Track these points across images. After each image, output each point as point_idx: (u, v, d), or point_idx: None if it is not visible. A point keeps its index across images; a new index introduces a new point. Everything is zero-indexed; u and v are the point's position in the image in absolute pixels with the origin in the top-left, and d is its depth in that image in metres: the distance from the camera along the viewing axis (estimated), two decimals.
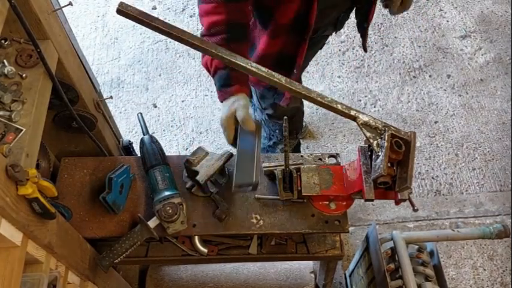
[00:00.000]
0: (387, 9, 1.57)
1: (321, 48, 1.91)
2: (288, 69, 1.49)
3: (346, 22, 1.64)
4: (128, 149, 1.69)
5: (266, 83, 1.60)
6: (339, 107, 1.10)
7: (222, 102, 1.29)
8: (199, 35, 1.25)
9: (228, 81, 1.26)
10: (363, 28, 1.60)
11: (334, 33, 1.76)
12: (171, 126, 2.64)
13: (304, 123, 2.59)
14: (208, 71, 1.30)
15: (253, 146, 1.22)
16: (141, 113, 1.51)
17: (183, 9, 3.15)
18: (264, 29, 1.41)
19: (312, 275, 1.91)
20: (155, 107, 2.72)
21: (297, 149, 2.34)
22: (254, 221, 1.33)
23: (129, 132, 2.62)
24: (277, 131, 2.12)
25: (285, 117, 1.23)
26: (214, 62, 1.26)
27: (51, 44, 1.13)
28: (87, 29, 3.06)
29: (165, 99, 2.75)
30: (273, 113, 1.91)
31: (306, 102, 2.43)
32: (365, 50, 1.73)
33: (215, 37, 1.23)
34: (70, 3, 1.19)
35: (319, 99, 1.09)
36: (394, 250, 1.56)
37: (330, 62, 2.88)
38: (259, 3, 1.35)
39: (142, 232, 1.26)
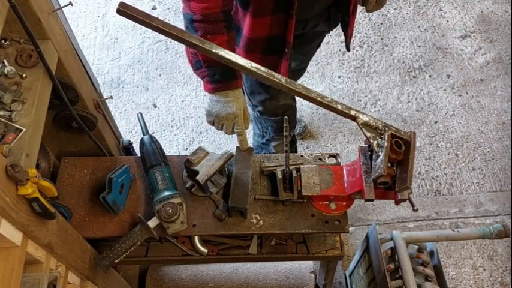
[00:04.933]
0: (363, 7, 1.58)
1: (318, 47, 1.90)
2: (280, 51, 1.46)
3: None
4: (128, 149, 1.69)
5: None
6: (339, 107, 1.10)
7: (215, 93, 1.28)
8: (187, 21, 1.22)
9: (234, 74, 1.26)
10: (345, 23, 1.56)
11: (329, 31, 1.75)
12: (171, 126, 2.64)
13: (303, 123, 2.59)
14: (200, 61, 1.26)
15: (249, 173, 1.35)
16: (141, 113, 1.51)
17: None
18: (245, 10, 1.36)
19: (312, 275, 1.91)
20: (155, 107, 2.72)
21: (292, 146, 2.34)
22: (254, 221, 1.33)
23: (129, 132, 2.62)
24: (269, 127, 2.11)
25: (285, 117, 1.24)
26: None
27: (51, 44, 1.13)
28: (87, 29, 3.06)
29: (165, 99, 2.75)
30: (263, 109, 1.91)
31: (305, 102, 2.43)
32: (347, 49, 1.69)
33: (213, 24, 1.19)
34: (70, 3, 1.19)
35: (319, 99, 1.09)
36: (394, 250, 1.56)
37: (330, 62, 2.88)
38: None
39: (142, 232, 1.26)
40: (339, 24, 1.64)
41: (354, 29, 1.71)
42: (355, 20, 1.62)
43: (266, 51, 1.48)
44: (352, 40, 1.71)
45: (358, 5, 1.56)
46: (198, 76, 1.31)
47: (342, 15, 1.56)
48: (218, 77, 1.26)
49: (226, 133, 1.35)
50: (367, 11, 1.61)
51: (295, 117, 2.30)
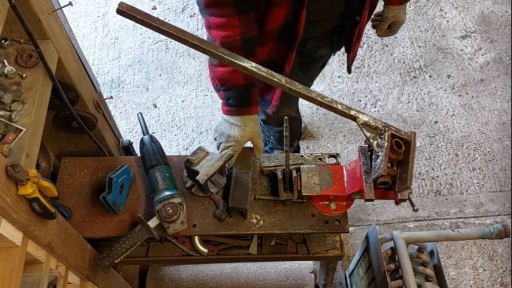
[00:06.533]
0: (375, 30, 1.62)
1: (322, 68, 1.91)
2: None
3: None
4: (128, 149, 1.69)
5: None
6: (339, 107, 1.10)
7: (227, 115, 1.29)
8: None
9: (248, 101, 1.27)
10: (348, 48, 1.59)
11: (332, 54, 1.76)
12: (171, 126, 2.64)
13: (303, 124, 2.59)
14: (222, 86, 1.27)
15: (249, 173, 1.37)
16: (141, 113, 1.51)
17: (183, 9, 3.15)
18: None
19: (312, 275, 1.91)
20: (155, 107, 2.72)
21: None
22: (254, 221, 1.33)
23: (129, 132, 2.62)
24: (271, 137, 2.11)
25: (285, 117, 1.23)
26: (232, 79, 1.24)
27: (51, 44, 1.13)
28: (87, 29, 3.06)
29: (165, 99, 2.75)
30: (266, 118, 1.91)
31: (306, 102, 2.44)
32: (349, 72, 1.71)
33: (231, 51, 1.20)
34: (70, 3, 1.19)
35: (319, 99, 1.09)
36: (394, 250, 1.56)
37: (330, 62, 2.86)
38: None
39: (143, 232, 1.26)
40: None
41: None
42: (359, 46, 1.64)
43: None
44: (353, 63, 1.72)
45: (366, 30, 1.57)
46: (219, 98, 1.33)
47: (345, 42, 1.58)
48: (232, 101, 1.27)
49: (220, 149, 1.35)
50: (378, 35, 1.63)
51: (300, 129, 2.30)
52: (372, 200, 1.16)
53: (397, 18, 1.57)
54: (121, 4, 0.99)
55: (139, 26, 1.06)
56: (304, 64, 1.69)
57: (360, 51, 2.92)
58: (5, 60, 1.08)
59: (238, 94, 1.26)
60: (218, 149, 1.35)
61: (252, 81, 1.25)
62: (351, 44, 1.55)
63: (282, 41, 1.38)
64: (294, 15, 1.29)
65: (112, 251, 1.25)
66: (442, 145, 2.56)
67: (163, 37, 2.59)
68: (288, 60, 1.42)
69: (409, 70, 2.84)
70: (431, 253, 1.64)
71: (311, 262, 1.95)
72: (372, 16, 1.59)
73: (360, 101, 2.73)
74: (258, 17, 1.30)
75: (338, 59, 2.88)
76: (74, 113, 1.27)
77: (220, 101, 1.33)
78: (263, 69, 1.07)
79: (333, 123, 2.63)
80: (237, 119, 1.29)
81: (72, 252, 1.17)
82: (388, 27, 1.61)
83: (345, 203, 1.33)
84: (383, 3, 1.58)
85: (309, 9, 1.28)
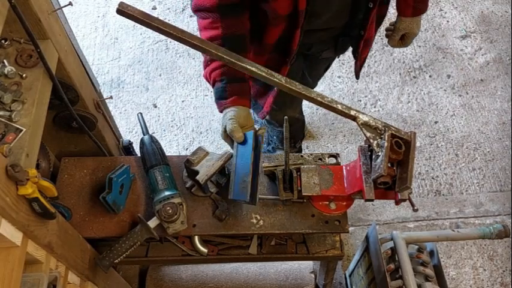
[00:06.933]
0: (387, 39, 1.62)
1: (327, 70, 1.91)
2: (270, 86, 1.49)
3: None
4: (128, 149, 1.69)
5: None
6: (339, 107, 1.10)
7: (221, 113, 1.31)
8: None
9: (224, 94, 1.27)
10: (356, 54, 1.58)
11: (336, 57, 1.76)
12: (171, 126, 2.64)
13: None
14: (209, 82, 1.31)
15: (249, 162, 1.24)
16: (141, 113, 1.51)
17: (183, 9, 3.15)
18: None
19: (312, 275, 1.91)
20: (155, 107, 2.72)
21: None
22: (254, 221, 1.33)
23: (129, 132, 2.62)
24: (274, 137, 2.12)
25: (285, 117, 1.23)
26: (213, 75, 1.27)
27: (51, 44, 1.13)
28: (87, 29, 3.06)
29: (165, 99, 2.75)
30: (270, 117, 1.91)
31: (306, 102, 2.44)
32: (356, 77, 1.70)
33: None
34: (70, 3, 1.19)
35: (319, 99, 1.09)
36: (394, 250, 1.56)
37: None
38: (253, 20, 1.33)
39: (142, 232, 1.26)
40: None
41: None
42: (368, 52, 1.62)
43: (259, 82, 1.49)
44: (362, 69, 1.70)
45: (376, 38, 1.57)
46: None
47: (353, 48, 1.57)
48: (215, 96, 1.30)
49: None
50: (390, 45, 1.62)
51: (303, 131, 2.30)
52: (372, 200, 1.16)
53: (410, 30, 1.54)
54: (121, 4, 0.99)
55: (139, 26, 1.06)
56: (308, 66, 1.69)
57: None
58: (5, 60, 1.08)
59: (217, 88, 1.28)
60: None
61: (228, 76, 1.26)
62: (357, 53, 1.54)
63: (276, 53, 1.40)
64: (290, 33, 1.31)
65: (112, 251, 1.25)
66: (442, 145, 2.56)
67: (163, 37, 2.59)
68: (281, 73, 1.43)
69: (409, 70, 2.84)
70: (431, 253, 1.64)
71: (311, 262, 1.95)
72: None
73: (360, 101, 2.73)
74: (256, 31, 1.34)
75: (338, 59, 2.87)
76: (74, 113, 1.27)
77: None
78: (263, 69, 1.07)
79: (333, 123, 2.63)
80: (223, 112, 1.30)
81: (72, 252, 1.17)
82: (400, 38, 1.59)
83: (345, 203, 1.33)
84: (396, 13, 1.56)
85: (304, 26, 1.29)
